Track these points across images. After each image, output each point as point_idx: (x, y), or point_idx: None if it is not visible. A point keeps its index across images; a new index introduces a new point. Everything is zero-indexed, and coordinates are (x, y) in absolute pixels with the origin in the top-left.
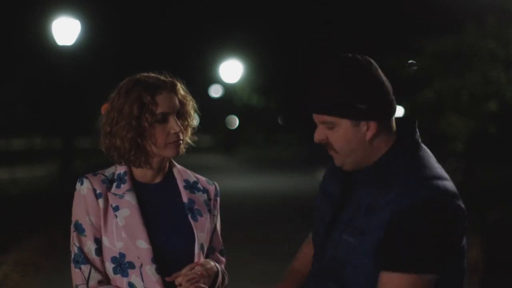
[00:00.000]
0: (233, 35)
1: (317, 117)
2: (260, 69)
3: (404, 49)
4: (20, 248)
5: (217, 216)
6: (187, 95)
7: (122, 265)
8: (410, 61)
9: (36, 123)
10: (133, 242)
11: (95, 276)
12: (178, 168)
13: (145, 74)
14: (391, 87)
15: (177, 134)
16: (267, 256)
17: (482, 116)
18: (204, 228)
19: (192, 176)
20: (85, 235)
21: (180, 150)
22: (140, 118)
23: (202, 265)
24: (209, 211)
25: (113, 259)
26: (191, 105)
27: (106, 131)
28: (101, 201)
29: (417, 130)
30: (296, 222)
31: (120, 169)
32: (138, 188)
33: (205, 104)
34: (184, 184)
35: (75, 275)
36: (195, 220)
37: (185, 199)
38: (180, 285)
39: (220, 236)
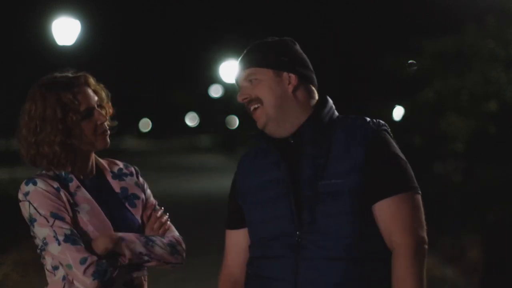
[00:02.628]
0: (233, 35)
1: (242, 74)
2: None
3: (404, 49)
4: (20, 248)
5: (147, 187)
6: (97, 84)
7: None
8: (410, 61)
9: None
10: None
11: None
12: (101, 162)
13: (49, 76)
14: (311, 67)
15: (104, 124)
16: None
17: (482, 116)
18: (141, 210)
19: (115, 165)
20: (67, 222)
21: (108, 140)
22: (65, 119)
23: (161, 215)
24: (142, 190)
25: None
26: (104, 92)
27: (30, 142)
28: (62, 194)
29: (328, 98)
30: None
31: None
32: (81, 185)
33: (205, 104)
34: (111, 175)
35: (75, 252)
36: (133, 206)
37: (117, 189)
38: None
39: (152, 196)
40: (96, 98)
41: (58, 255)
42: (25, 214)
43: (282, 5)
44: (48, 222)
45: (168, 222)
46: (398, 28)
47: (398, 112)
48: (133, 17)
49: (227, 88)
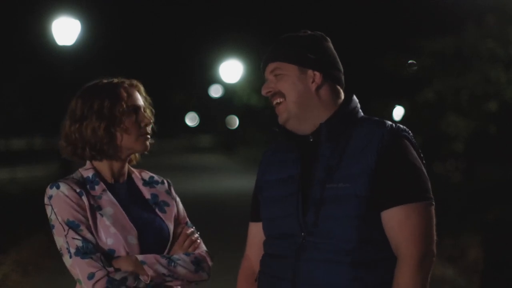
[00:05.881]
0: (233, 35)
1: (269, 68)
2: (260, 69)
3: (404, 49)
4: (20, 248)
5: (179, 202)
6: (147, 96)
7: (112, 260)
8: (410, 61)
9: (36, 123)
10: (125, 238)
11: (107, 264)
12: (133, 170)
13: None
14: (341, 65)
15: (147, 127)
16: None
17: (482, 116)
18: (172, 217)
19: (146, 174)
20: (81, 230)
21: (149, 145)
22: (112, 108)
23: (191, 232)
24: (173, 198)
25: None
26: (150, 106)
27: (74, 128)
28: (84, 199)
29: (354, 98)
30: None
31: (87, 173)
32: (109, 188)
33: (205, 104)
34: (142, 182)
35: (84, 266)
36: (163, 212)
37: (147, 195)
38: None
39: (185, 212)
40: (143, 103)
41: (70, 268)
42: (48, 217)
43: (283, 5)
44: (64, 230)
45: (198, 240)
46: (398, 28)
47: (398, 112)
48: (133, 17)
49: (227, 88)
